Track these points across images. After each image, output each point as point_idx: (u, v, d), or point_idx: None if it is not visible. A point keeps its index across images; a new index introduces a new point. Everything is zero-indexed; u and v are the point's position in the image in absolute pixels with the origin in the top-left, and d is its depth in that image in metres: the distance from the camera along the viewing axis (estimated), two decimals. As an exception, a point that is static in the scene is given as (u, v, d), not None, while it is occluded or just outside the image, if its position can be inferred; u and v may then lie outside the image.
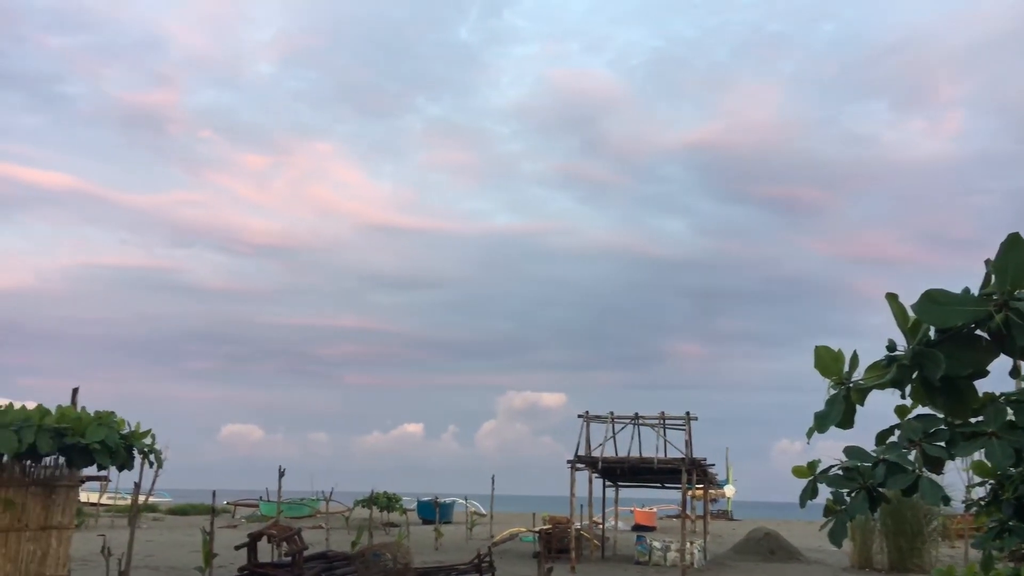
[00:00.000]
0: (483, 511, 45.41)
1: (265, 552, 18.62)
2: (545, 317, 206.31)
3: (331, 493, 33.92)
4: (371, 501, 35.99)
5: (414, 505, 45.36)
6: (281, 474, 22.63)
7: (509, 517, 45.09)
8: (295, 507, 43.80)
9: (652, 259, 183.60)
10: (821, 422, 2.93)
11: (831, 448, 4.02)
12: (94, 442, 10.47)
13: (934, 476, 3.76)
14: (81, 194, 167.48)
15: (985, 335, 2.60)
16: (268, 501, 43.11)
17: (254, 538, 17.34)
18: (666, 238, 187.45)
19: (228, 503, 49.39)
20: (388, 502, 41.63)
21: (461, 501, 47.53)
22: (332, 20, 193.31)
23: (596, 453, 25.02)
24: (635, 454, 25.17)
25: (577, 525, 25.05)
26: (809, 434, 3.01)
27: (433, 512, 35.06)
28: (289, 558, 17.41)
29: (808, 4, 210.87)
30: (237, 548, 18.01)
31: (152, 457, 11.51)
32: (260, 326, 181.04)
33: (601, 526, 30.28)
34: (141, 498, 14.41)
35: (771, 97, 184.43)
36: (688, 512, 27.18)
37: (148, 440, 11.37)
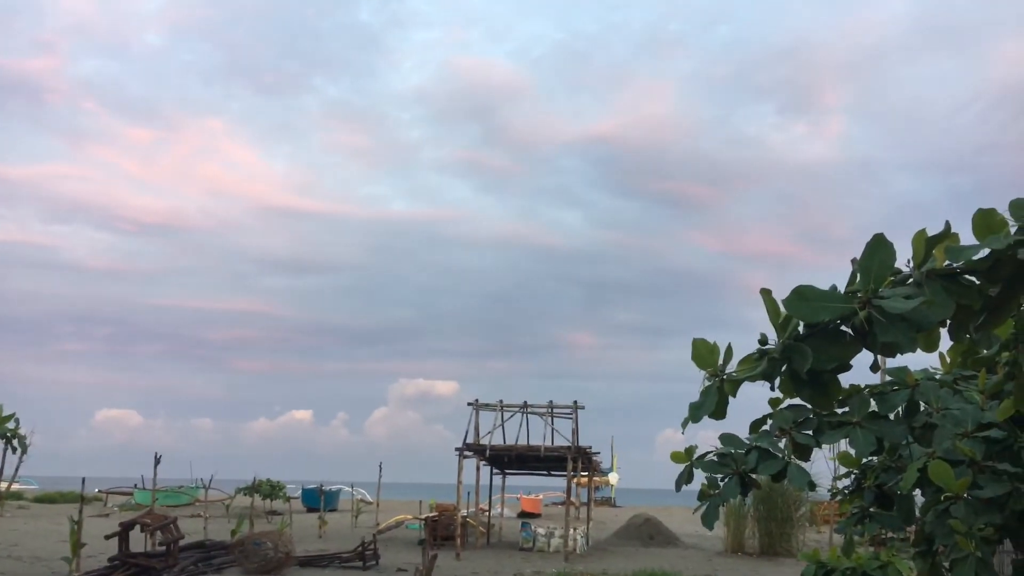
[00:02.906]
0: (370, 499, 45.01)
1: (138, 542, 17.94)
2: (440, 305, 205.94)
3: (211, 481, 32.92)
4: (253, 489, 35.14)
5: (299, 493, 44.56)
6: (157, 461, 21.84)
7: (396, 505, 44.84)
8: (172, 495, 42.38)
9: (547, 250, 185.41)
10: (695, 412, 3.02)
11: (710, 438, 4.17)
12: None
13: (802, 463, 3.95)
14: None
15: (849, 331, 2.71)
16: (143, 489, 41.55)
17: (126, 527, 16.68)
18: (561, 229, 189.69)
19: (100, 491, 47.35)
20: (271, 490, 40.78)
21: (347, 489, 46.96)
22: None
23: (485, 441, 25.14)
24: (523, 442, 25.42)
25: (463, 512, 25.13)
26: (684, 424, 3.10)
27: (318, 500, 34.53)
28: (163, 548, 16.84)
29: (706, 5, 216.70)
30: (108, 538, 17.27)
31: (15, 442, 10.96)
32: (144, 308, 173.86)
33: (487, 513, 30.49)
34: (3, 485, 13.69)
35: (667, 94, 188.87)
36: (573, 499, 27.65)
37: (11, 425, 10.81)
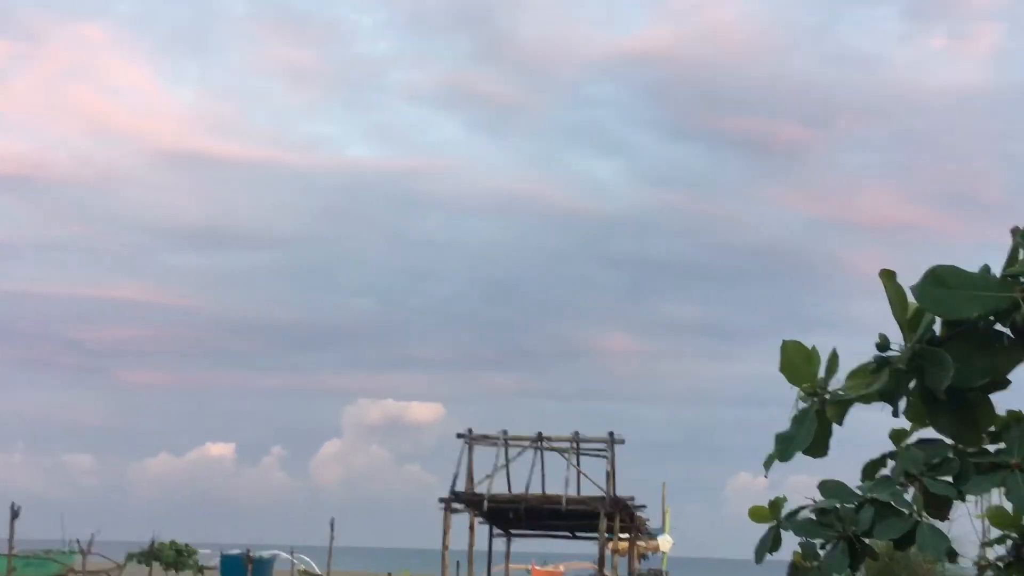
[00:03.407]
0: (317, 570, 45.27)
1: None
2: (417, 295, 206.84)
3: (91, 543, 33.17)
4: (151, 555, 35.43)
5: (216, 560, 44.86)
6: (14, 514, 22.02)
7: (354, 579, 45.05)
8: (37, 563, 42.64)
9: (571, 216, 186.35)
10: (785, 447, 3.03)
11: (806, 486, 4.16)
12: None
13: (937, 523, 3.95)
14: None
15: (1008, 331, 2.71)
16: (-6, 554, 41.86)
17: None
18: (591, 186, 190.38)
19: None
20: (177, 556, 41.08)
21: (285, 555, 47.26)
22: None
23: (482, 488, 25.22)
24: (536, 490, 25.49)
25: (451, 590, 25.22)
26: (768, 463, 3.10)
27: (243, 571, 34.73)
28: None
29: None
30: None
31: None
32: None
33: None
34: None
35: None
36: (608, 572, 27.72)
37: None
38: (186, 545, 42.12)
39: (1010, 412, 3.97)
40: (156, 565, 37.37)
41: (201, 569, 41.09)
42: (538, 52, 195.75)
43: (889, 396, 2.84)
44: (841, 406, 2.98)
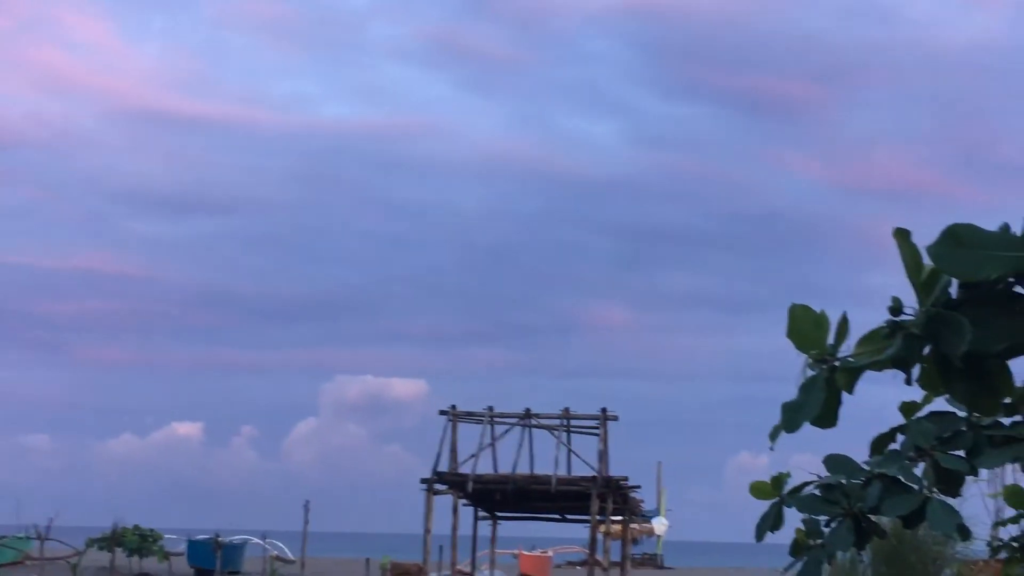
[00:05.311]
0: (291, 556, 45.33)
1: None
2: (400, 264, 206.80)
3: (49, 528, 33.20)
4: (114, 540, 35.45)
5: (183, 546, 44.88)
6: (-32, 497, 21.96)
7: (331, 565, 45.22)
8: (-8, 549, 42.71)
9: (564, 179, 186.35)
10: (791, 416, 3.02)
11: (811, 463, 4.17)
12: None
13: (949, 500, 3.96)
14: None
15: (1029, 293, 2.70)
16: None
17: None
18: (586, 148, 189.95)
19: None
20: (141, 541, 41.05)
21: (257, 541, 47.31)
22: None
23: (466, 469, 25.26)
24: (524, 470, 25.55)
25: (433, 576, 25.32)
26: (773, 434, 3.10)
27: (212, 558, 34.82)
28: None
29: None
30: None
31: None
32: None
33: (469, 578, 30.73)
34: None
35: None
36: (600, 557, 27.84)
37: None
38: (151, 530, 42.07)
39: (1028, 382, 3.99)
40: (119, 551, 37.36)
41: (167, 555, 41.07)
42: (530, 5, 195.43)
43: (902, 363, 2.82)
44: (851, 373, 2.95)
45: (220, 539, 38.94)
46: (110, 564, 32.40)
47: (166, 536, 43.38)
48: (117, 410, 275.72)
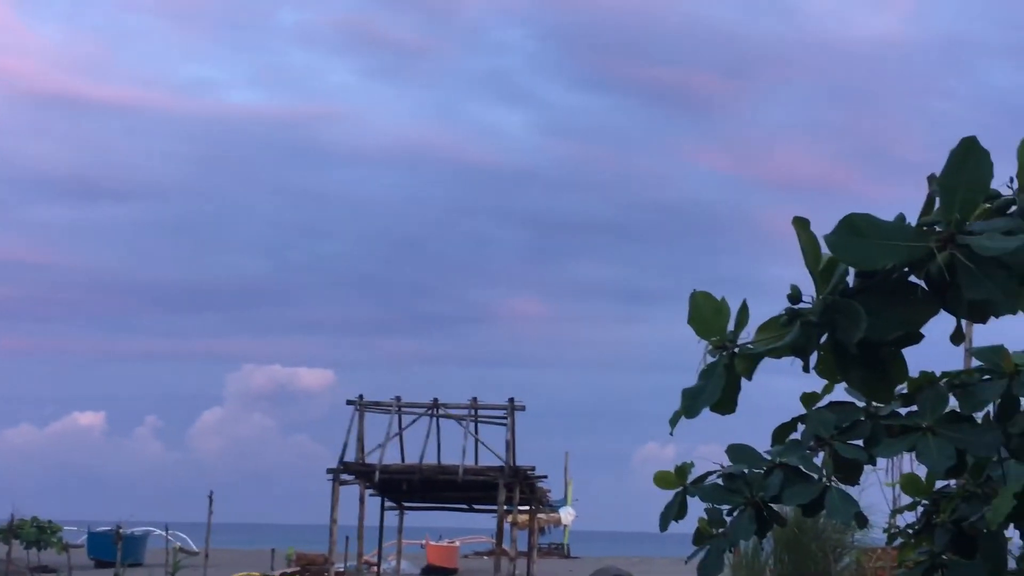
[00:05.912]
0: (194, 547, 44.84)
1: None
2: (308, 252, 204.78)
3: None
4: (10, 532, 34.80)
5: (83, 538, 44.18)
6: None
7: (236, 557, 44.83)
8: None
9: (474, 169, 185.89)
10: (691, 402, 3.03)
11: (714, 453, 4.21)
12: None
13: (847, 488, 4.02)
14: None
15: (922, 282, 2.73)
16: None
17: None
18: (496, 137, 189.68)
19: None
20: (39, 533, 40.36)
21: (159, 532, 46.72)
22: None
23: (373, 459, 25.17)
24: (432, 460, 25.51)
25: (339, 567, 25.20)
26: (673, 420, 3.11)
27: (113, 549, 34.34)
28: None
29: None
30: None
31: None
32: None
33: (376, 569, 30.63)
34: None
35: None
36: (507, 547, 27.90)
37: None
38: (49, 522, 41.37)
39: (923, 373, 4.04)
40: (16, 544, 36.63)
41: (66, 547, 40.38)
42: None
43: (800, 350, 2.84)
44: (751, 360, 2.98)
45: (121, 530, 38.36)
46: (6, 556, 31.76)
47: (65, 528, 42.70)
48: (15, 399, 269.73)
